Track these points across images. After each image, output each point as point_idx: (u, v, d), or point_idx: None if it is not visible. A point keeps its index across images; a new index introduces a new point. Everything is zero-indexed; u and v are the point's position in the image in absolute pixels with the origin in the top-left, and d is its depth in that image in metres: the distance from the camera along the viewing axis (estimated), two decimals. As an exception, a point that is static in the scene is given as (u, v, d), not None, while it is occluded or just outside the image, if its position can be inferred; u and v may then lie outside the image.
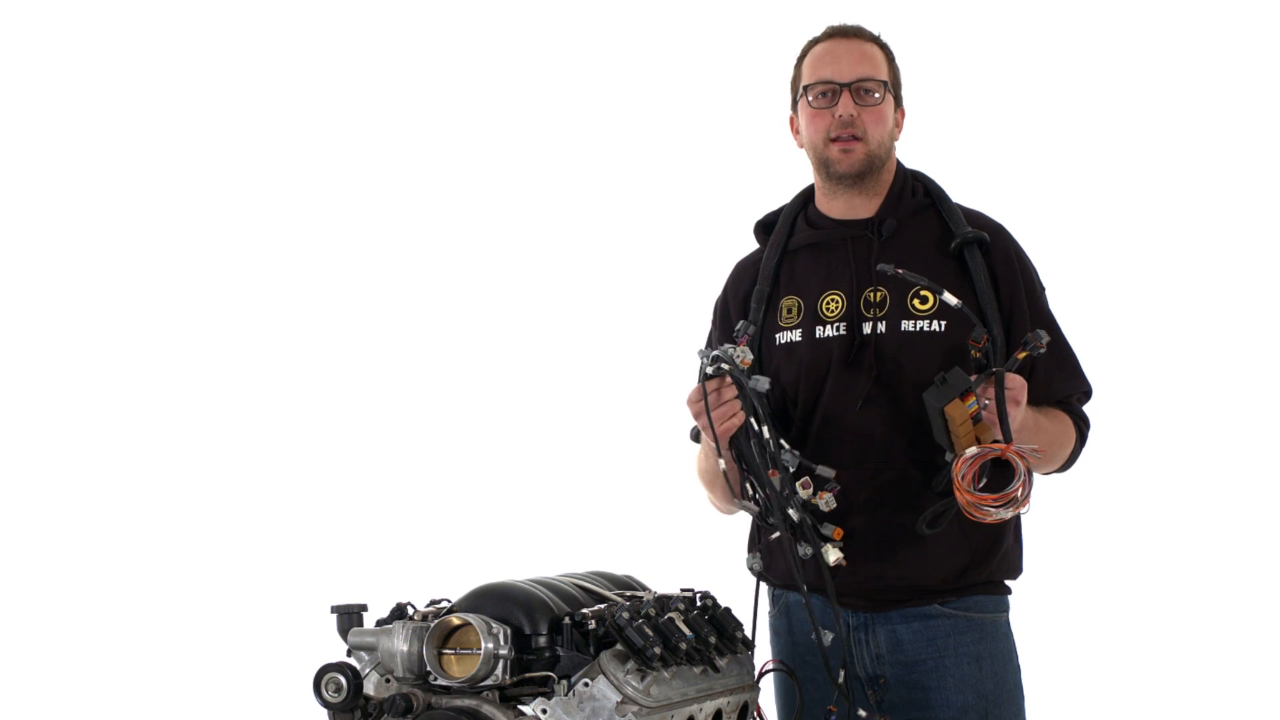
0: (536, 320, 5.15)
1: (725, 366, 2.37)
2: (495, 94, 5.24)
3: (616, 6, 5.11)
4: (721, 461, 2.46)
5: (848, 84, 2.52)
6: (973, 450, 2.29)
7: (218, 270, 5.31)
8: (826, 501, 2.41)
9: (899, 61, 2.62)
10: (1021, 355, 2.36)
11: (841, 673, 2.43)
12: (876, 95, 2.53)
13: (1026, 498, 2.29)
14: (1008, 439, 2.29)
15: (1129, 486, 4.54)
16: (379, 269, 5.26)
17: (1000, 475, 2.34)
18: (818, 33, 2.62)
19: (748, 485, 2.45)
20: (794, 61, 2.62)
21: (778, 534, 2.47)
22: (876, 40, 2.59)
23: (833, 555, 2.40)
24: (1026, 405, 2.41)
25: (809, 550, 2.40)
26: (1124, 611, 4.62)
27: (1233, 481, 4.64)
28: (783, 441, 2.43)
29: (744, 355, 2.38)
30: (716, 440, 2.41)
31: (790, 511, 2.40)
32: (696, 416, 2.42)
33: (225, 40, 5.30)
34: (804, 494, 2.41)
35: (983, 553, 2.51)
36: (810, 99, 2.55)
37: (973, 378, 2.32)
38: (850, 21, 2.61)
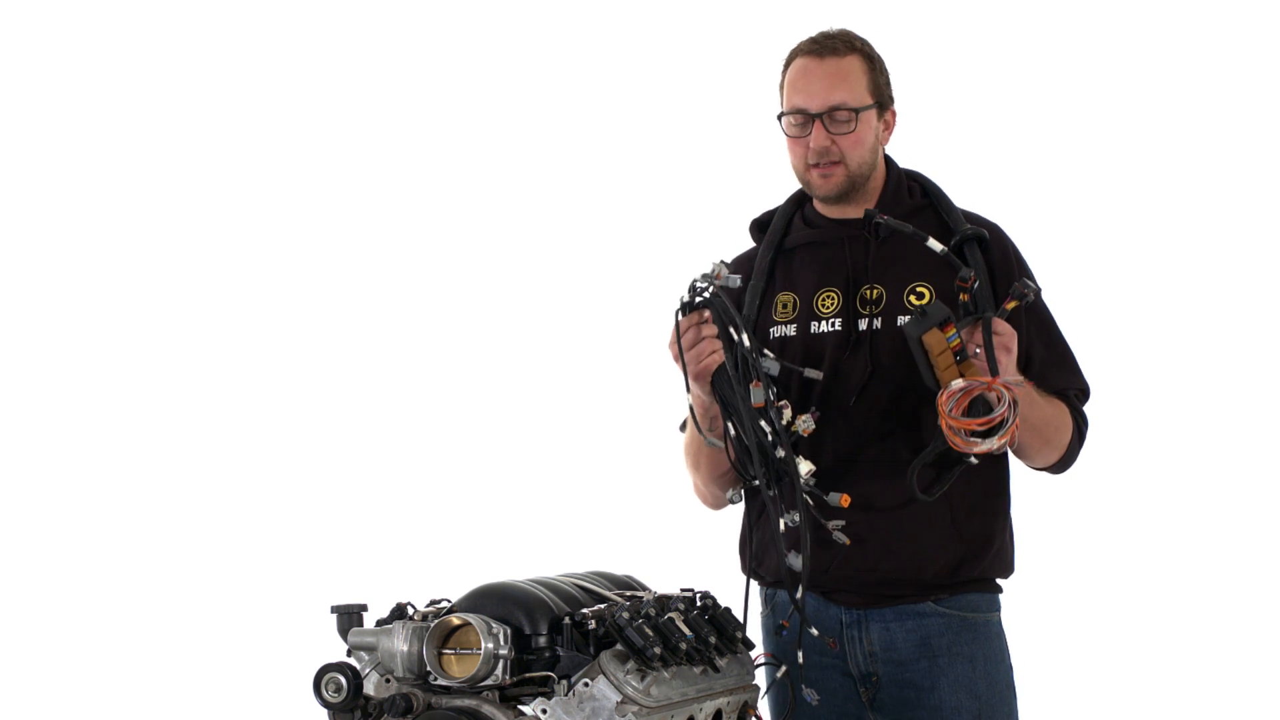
0: (535, 320, 5.15)
1: (700, 284, 2.32)
2: (493, 94, 5.24)
3: (614, 7, 5.11)
4: (696, 426, 2.42)
5: (818, 114, 2.49)
6: (959, 383, 2.26)
7: (217, 271, 5.31)
8: (805, 423, 2.36)
9: (891, 60, 2.59)
10: (1010, 305, 2.36)
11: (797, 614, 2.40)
12: (851, 122, 2.50)
13: (1011, 427, 2.25)
14: (994, 374, 2.27)
15: (1121, 485, 4.54)
16: (378, 270, 5.27)
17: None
18: (800, 40, 2.57)
19: (729, 426, 2.37)
20: (780, 68, 2.60)
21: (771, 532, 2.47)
22: (856, 49, 2.53)
23: (805, 466, 2.33)
24: (1031, 386, 2.42)
25: (795, 517, 2.35)
26: (1115, 610, 4.62)
27: (1225, 480, 4.64)
28: (765, 350, 2.38)
29: (719, 269, 2.32)
30: (692, 384, 2.36)
31: (768, 430, 2.31)
32: (675, 359, 2.38)
33: (225, 40, 5.30)
34: (786, 414, 2.34)
35: (977, 547, 2.51)
36: (784, 127, 2.54)
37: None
38: (847, 20, 2.59)
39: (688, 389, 2.42)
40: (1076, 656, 4.56)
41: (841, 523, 2.38)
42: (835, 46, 2.53)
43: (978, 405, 2.27)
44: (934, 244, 2.40)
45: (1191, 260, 4.72)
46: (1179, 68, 4.74)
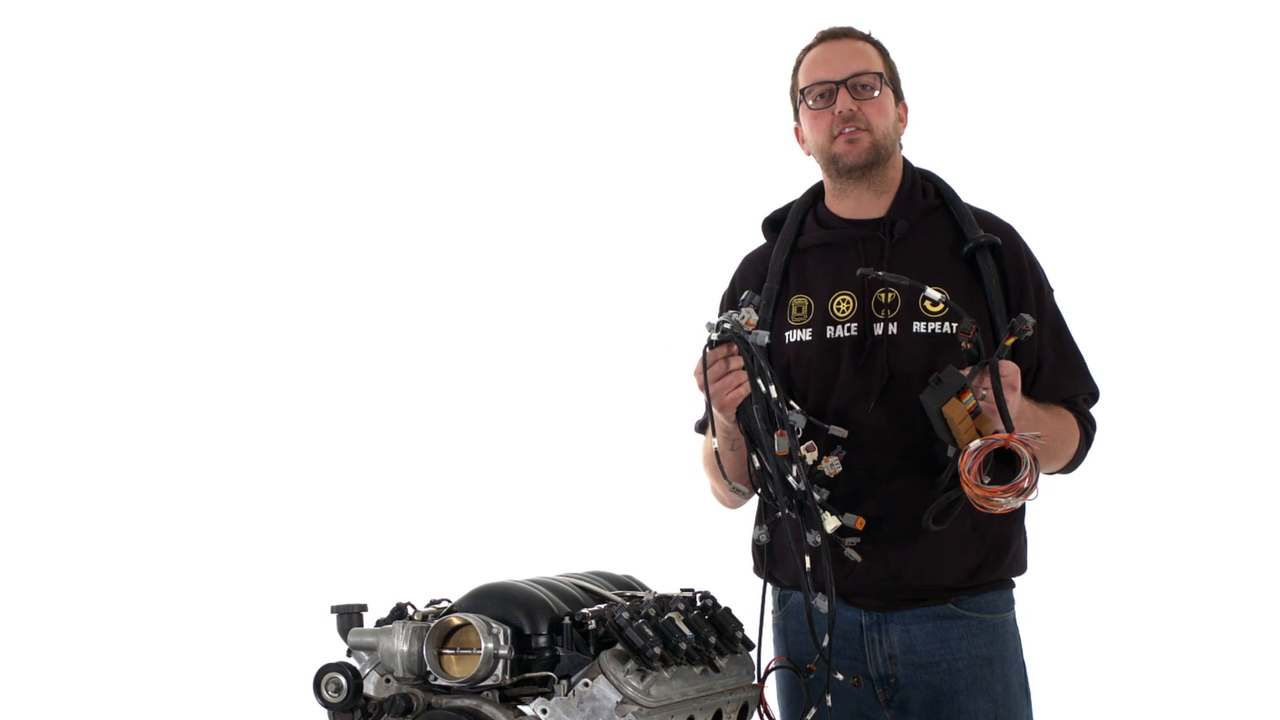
0: (537, 320, 5.15)
1: (728, 327, 2.33)
2: (496, 94, 5.24)
3: (625, 7, 5.11)
4: (715, 442, 2.43)
5: (843, 80, 2.53)
6: (976, 443, 2.29)
7: (217, 272, 5.31)
8: (831, 465, 2.38)
9: (899, 59, 2.63)
10: (1010, 341, 2.37)
11: (839, 677, 2.41)
12: (874, 89, 2.54)
13: (1035, 485, 2.28)
14: (1009, 428, 2.29)
15: (1132, 485, 4.53)
16: (379, 270, 5.26)
17: (1003, 464, 2.34)
18: (810, 39, 2.62)
19: (753, 457, 2.40)
20: (790, 71, 2.63)
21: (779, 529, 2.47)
22: (867, 38, 2.60)
23: (830, 523, 2.35)
24: (1028, 400, 2.43)
25: (817, 537, 2.36)
26: (1125, 608, 4.62)
27: (1236, 480, 4.64)
28: (791, 401, 2.38)
29: (749, 317, 2.35)
30: (716, 412, 2.37)
31: (794, 481, 2.33)
32: (700, 387, 2.39)
33: (225, 40, 5.30)
34: (809, 457, 2.36)
35: (996, 551, 2.52)
36: (809, 101, 2.56)
37: (965, 371, 2.32)
38: (855, 21, 2.62)
39: (709, 414, 2.42)
40: (1088, 655, 4.56)
41: (856, 540, 2.39)
42: (848, 32, 2.60)
43: (994, 456, 2.31)
44: (932, 292, 2.39)
45: (1203, 260, 4.72)
46: (1187, 69, 4.74)
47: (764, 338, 2.34)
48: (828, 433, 2.41)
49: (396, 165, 5.28)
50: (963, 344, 2.35)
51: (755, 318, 2.36)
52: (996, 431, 2.30)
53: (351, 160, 5.28)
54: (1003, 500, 2.28)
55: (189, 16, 5.28)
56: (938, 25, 4.76)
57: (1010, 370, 2.35)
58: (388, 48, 5.26)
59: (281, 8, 5.28)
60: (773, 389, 2.33)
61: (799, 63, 2.61)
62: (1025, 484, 2.27)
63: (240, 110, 5.31)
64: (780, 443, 2.32)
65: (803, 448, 2.36)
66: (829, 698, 2.40)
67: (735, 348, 2.35)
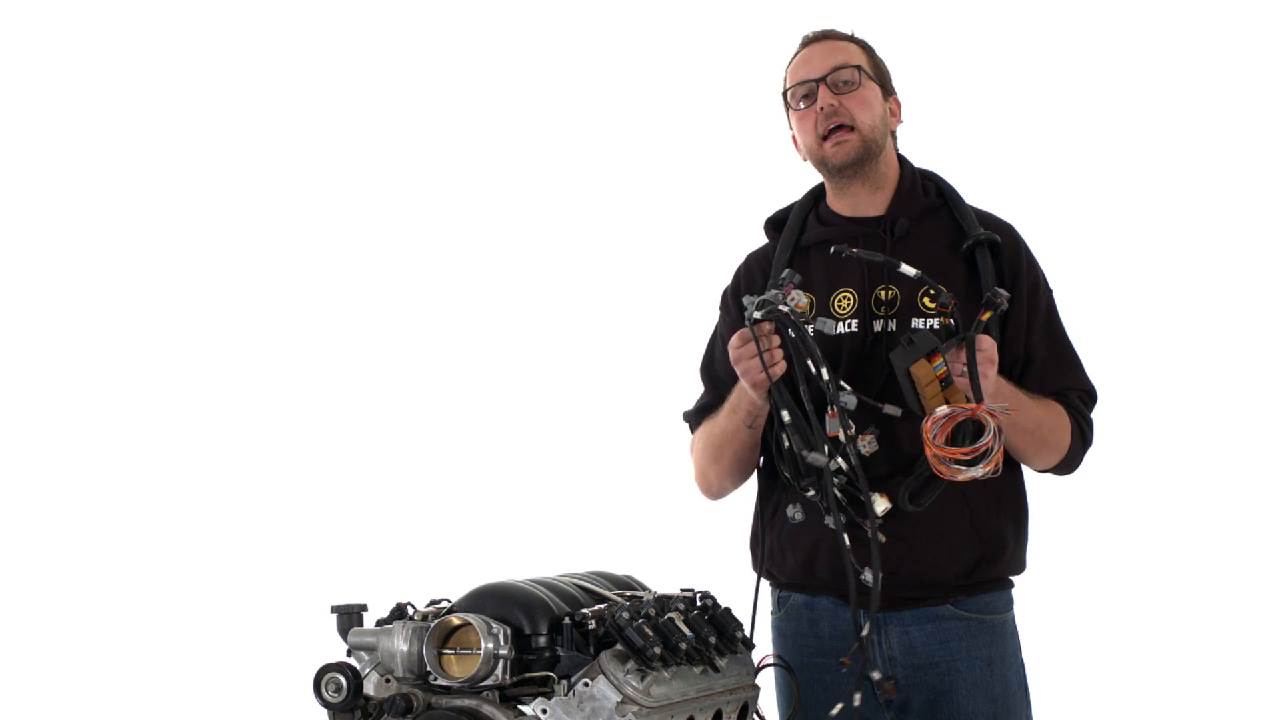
0: (536, 320, 5.15)
1: (782, 309, 2.33)
2: (497, 95, 5.24)
3: (622, 6, 5.11)
4: (727, 422, 2.44)
5: (822, 77, 2.54)
6: (943, 410, 2.29)
7: (217, 272, 5.31)
8: (869, 443, 2.38)
9: (899, 61, 2.64)
10: (985, 316, 2.37)
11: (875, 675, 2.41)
12: (855, 81, 2.55)
13: (996, 455, 2.28)
14: (979, 399, 2.29)
15: (1131, 485, 4.54)
16: (379, 270, 5.27)
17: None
18: (795, 47, 2.64)
19: (783, 437, 2.40)
20: (781, 79, 2.65)
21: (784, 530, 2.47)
22: (848, 37, 2.61)
23: (880, 505, 2.35)
24: (1011, 384, 2.44)
25: (842, 519, 2.36)
26: (1125, 608, 4.62)
27: (1235, 480, 4.64)
28: (842, 382, 2.39)
29: (799, 299, 2.36)
30: (748, 389, 2.39)
31: (842, 462, 2.34)
32: (738, 362, 2.40)
33: (225, 41, 5.30)
34: (841, 435, 2.35)
35: (995, 549, 2.52)
36: (794, 103, 2.59)
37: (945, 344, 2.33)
38: (851, 24, 2.63)
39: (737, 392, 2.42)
40: (1085, 654, 4.56)
41: (880, 520, 2.39)
42: (828, 34, 2.61)
43: (962, 430, 2.30)
44: (907, 269, 2.42)
45: (1203, 260, 4.72)
46: (1186, 69, 4.74)
47: (833, 326, 2.38)
48: (882, 411, 2.40)
49: (396, 166, 5.28)
50: (941, 320, 2.37)
51: (804, 300, 2.38)
52: (966, 401, 2.30)
53: (351, 161, 5.28)
54: (963, 463, 2.27)
55: (189, 16, 5.28)
56: (938, 25, 4.76)
57: (988, 344, 2.35)
58: (388, 48, 5.26)
59: (281, 8, 5.28)
60: (824, 370, 2.34)
61: (787, 69, 2.64)
62: (990, 447, 2.26)
63: (240, 110, 5.31)
64: (831, 424, 2.34)
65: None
66: (857, 696, 2.39)
67: (772, 326, 2.37)
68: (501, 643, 2.11)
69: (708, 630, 2.28)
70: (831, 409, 2.34)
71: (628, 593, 2.35)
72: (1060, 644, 4.16)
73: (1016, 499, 2.59)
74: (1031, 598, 2.69)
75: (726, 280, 2.74)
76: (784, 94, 2.62)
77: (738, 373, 2.42)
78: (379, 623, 2.24)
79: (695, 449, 2.68)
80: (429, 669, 2.14)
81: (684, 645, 2.18)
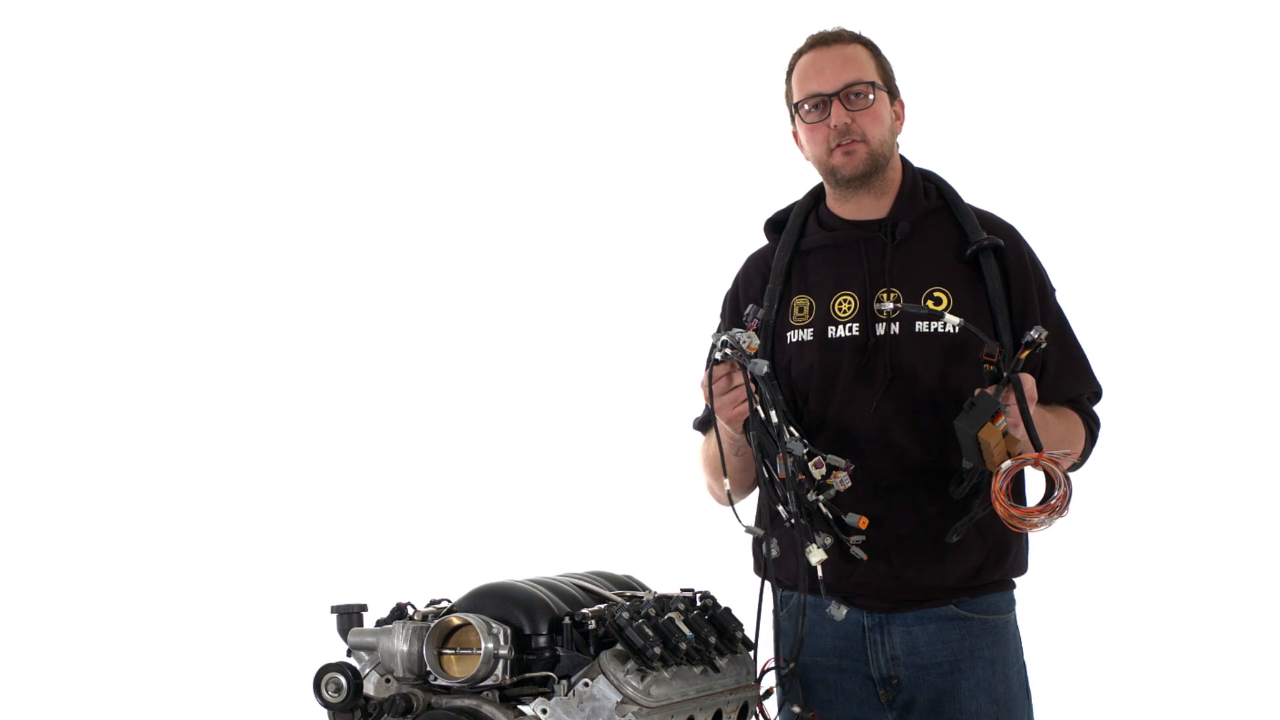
0: (537, 320, 5.14)
1: (730, 351, 2.32)
2: (498, 97, 5.24)
3: (623, 6, 5.11)
4: (718, 445, 2.44)
5: (835, 93, 2.52)
6: (1007, 464, 2.29)
7: (218, 272, 5.30)
8: (841, 481, 2.35)
9: (899, 60, 2.62)
10: (1024, 355, 2.36)
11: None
12: (868, 97, 2.53)
13: (1068, 504, 2.28)
14: (1038, 447, 2.30)
15: (1132, 485, 4.53)
16: (379, 270, 5.26)
17: (1018, 478, 2.36)
18: (800, 43, 2.61)
19: (763, 468, 2.39)
20: (784, 75, 2.62)
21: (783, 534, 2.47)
22: (859, 39, 2.58)
23: (815, 556, 2.33)
24: (1046, 411, 2.44)
25: (823, 541, 2.34)
26: (1126, 609, 4.61)
27: (1236, 481, 4.64)
28: (790, 429, 2.37)
29: (750, 340, 2.32)
30: (723, 425, 2.38)
31: (783, 510, 2.34)
32: (706, 398, 2.38)
33: (225, 41, 5.30)
34: (817, 474, 2.33)
35: (999, 551, 2.53)
36: (803, 114, 2.56)
37: (990, 390, 2.32)
38: (854, 20, 2.61)
39: (714, 422, 2.42)
40: (1086, 654, 4.56)
41: (861, 538, 2.38)
42: (838, 36, 2.58)
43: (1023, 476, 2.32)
44: (950, 319, 2.41)
45: (1203, 260, 4.71)
46: (1188, 68, 4.74)
47: (763, 367, 2.31)
48: (826, 459, 2.36)
49: (396, 167, 5.27)
50: (985, 366, 2.36)
51: (756, 341, 2.33)
52: (1024, 451, 2.31)
53: (351, 161, 5.28)
54: (1037, 520, 2.28)
55: (189, 16, 5.28)
56: (938, 25, 4.76)
57: (1029, 384, 2.35)
58: (388, 48, 5.26)
59: (281, 8, 5.28)
60: (774, 414, 2.33)
61: (791, 68, 2.60)
62: (1057, 504, 2.27)
63: (240, 111, 5.31)
64: (781, 467, 2.33)
65: (811, 464, 2.34)
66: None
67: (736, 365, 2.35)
68: (501, 643, 2.11)
69: (708, 630, 2.28)
70: (780, 454, 2.32)
71: (628, 593, 2.35)
72: (1061, 645, 4.16)
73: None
74: (1033, 598, 2.69)
75: (727, 281, 2.73)
76: (791, 100, 2.58)
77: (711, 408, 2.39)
78: (379, 623, 2.24)
79: (699, 461, 2.68)
80: (429, 669, 2.14)
81: (684, 645, 2.18)
